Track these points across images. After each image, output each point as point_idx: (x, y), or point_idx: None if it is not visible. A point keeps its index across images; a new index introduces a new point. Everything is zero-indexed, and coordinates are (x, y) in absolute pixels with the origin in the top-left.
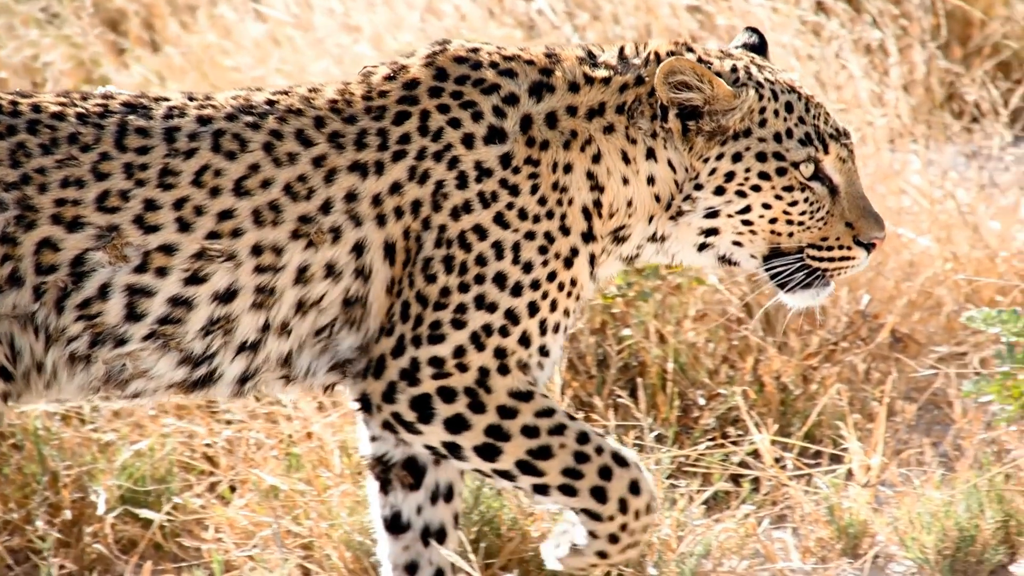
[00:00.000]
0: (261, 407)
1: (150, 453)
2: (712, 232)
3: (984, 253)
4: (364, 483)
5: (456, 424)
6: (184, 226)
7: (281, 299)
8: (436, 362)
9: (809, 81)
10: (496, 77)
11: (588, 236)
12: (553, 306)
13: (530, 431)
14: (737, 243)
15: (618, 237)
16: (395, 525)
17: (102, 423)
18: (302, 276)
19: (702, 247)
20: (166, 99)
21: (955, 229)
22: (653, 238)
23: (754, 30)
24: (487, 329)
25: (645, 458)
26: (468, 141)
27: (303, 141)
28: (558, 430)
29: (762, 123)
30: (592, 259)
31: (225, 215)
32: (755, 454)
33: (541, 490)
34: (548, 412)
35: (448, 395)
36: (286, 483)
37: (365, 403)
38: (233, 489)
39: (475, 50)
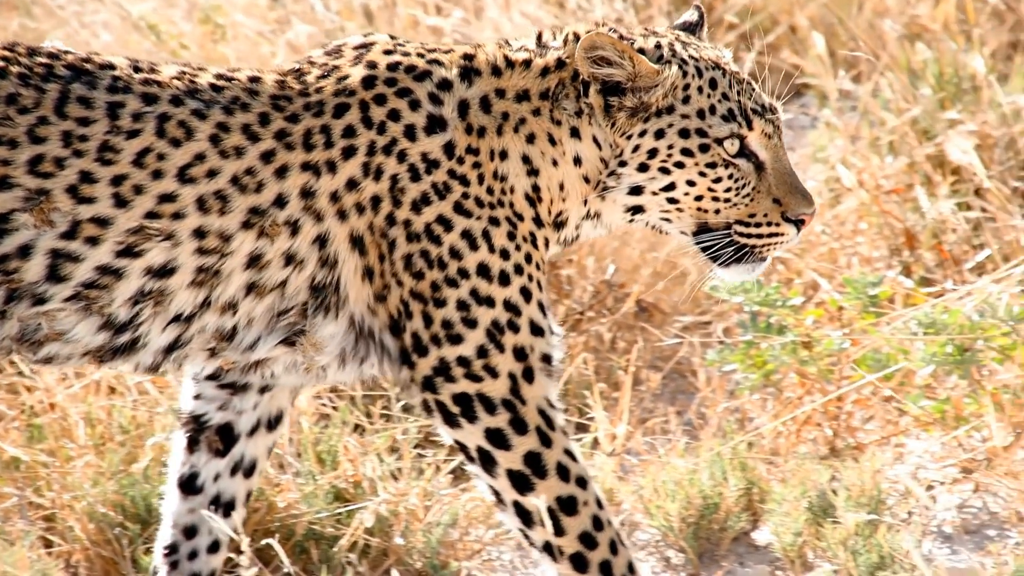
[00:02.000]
0: (3, 377)
1: None
2: (638, 209)
3: None
4: (107, 454)
5: (497, 439)
6: (121, 202)
7: (228, 280)
8: (463, 362)
9: None
10: (427, 64)
11: (538, 221)
12: (540, 286)
13: (562, 472)
14: (665, 219)
15: (557, 223)
16: (189, 486)
17: None
18: (255, 263)
19: (632, 221)
20: (112, 67)
21: None
22: (588, 216)
23: (697, 7)
24: (497, 325)
25: (392, 428)
26: (410, 132)
27: (250, 136)
28: (583, 482)
29: (685, 100)
30: (547, 243)
31: (166, 198)
32: None
33: (551, 552)
34: (572, 454)
35: (489, 406)
36: (28, 454)
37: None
38: None
39: (400, 44)
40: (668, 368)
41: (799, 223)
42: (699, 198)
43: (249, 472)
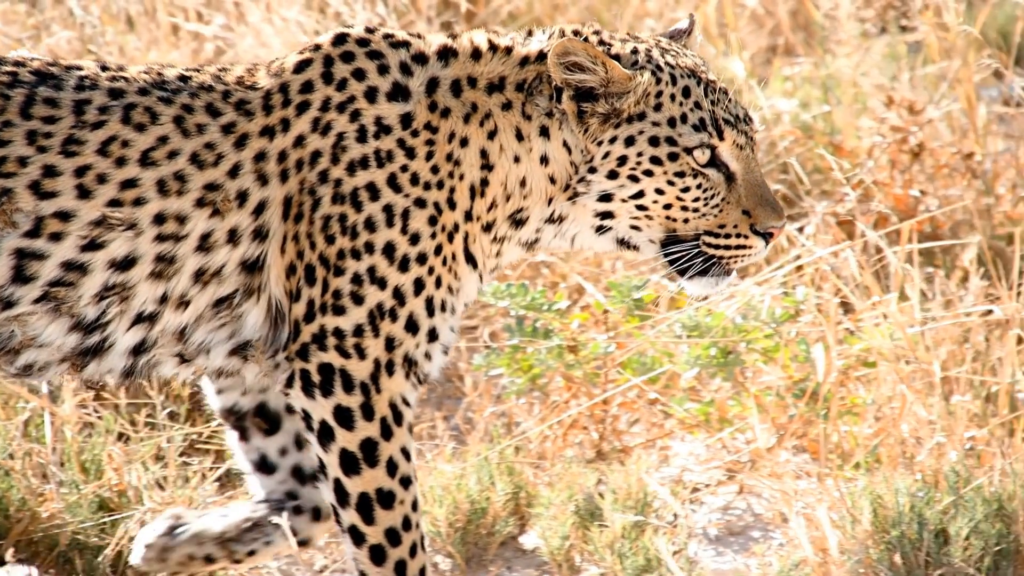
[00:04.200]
0: None
1: None
2: (608, 215)
3: None
4: None
5: (344, 417)
6: (84, 193)
7: (181, 269)
8: (338, 333)
9: None
10: (407, 36)
11: (468, 215)
12: (438, 282)
13: (391, 467)
14: (635, 227)
15: (516, 220)
16: (264, 466)
17: None
18: (204, 243)
19: (600, 229)
20: (78, 68)
21: None
22: (551, 219)
23: (690, 16)
24: (380, 309)
25: (157, 436)
26: (371, 95)
27: (212, 112)
28: (406, 482)
29: (657, 107)
30: (466, 239)
31: (128, 184)
32: None
33: (357, 537)
34: (406, 454)
35: (348, 384)
36: None
37: (280, 363)
38: None
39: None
40: None
41: (767, 236)
42: (668, 207)
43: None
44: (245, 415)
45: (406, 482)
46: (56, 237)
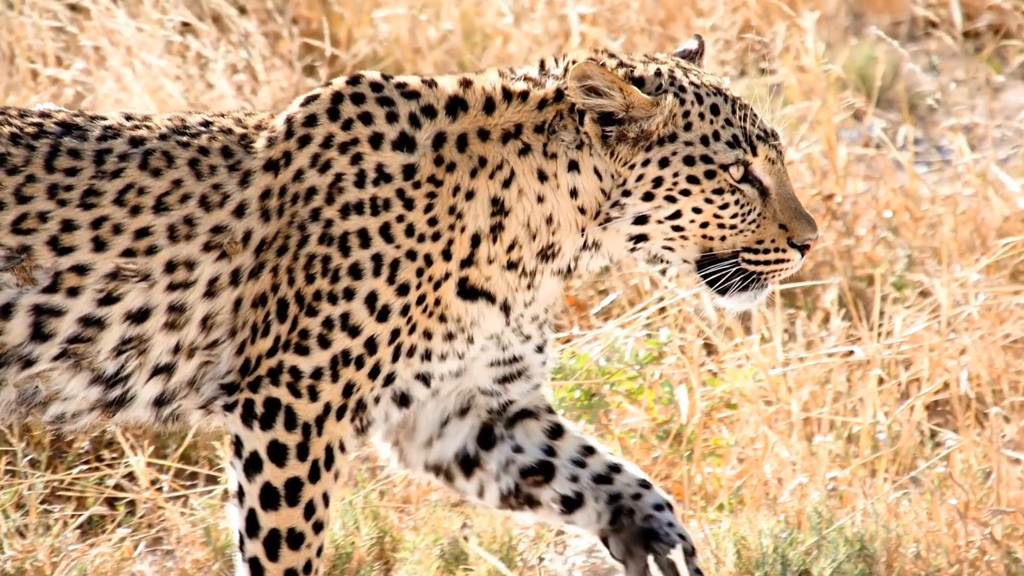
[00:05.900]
0: None
1: None
2: (641, 238)
3: None
4: None
5: (277, 454)
6: (99, 245)
7: (191, 317)
8: (295, 372)
9: (179, 102)
10: (418, 85)
11: (467, 262)
12: (412, 329)
13: (308, 510)
14: (668, 248)
15: (546, 255)
16: (572, 504)
17: None
18: (211, 287)
19: (632, 251)
20: (103, 118)
21: None
22: (586, 247)
23: (697, 36)
24: (346, 356)
25: (18, 484)
26: (376, 140)
27: (226, 154)
28: (318, 527)
29: (687, 127)
30: (464, 282)
31: (142, 233)
32: (131, 476)
33: (255, 570)
34: (326, 499)
35: (290, 422)
36: None
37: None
38: None
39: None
40: None
41: (803, 248)
42: (704, 225)
43: (589, 451)
44: (519, 488)
45: (318, 527)
46: (73, 292)
